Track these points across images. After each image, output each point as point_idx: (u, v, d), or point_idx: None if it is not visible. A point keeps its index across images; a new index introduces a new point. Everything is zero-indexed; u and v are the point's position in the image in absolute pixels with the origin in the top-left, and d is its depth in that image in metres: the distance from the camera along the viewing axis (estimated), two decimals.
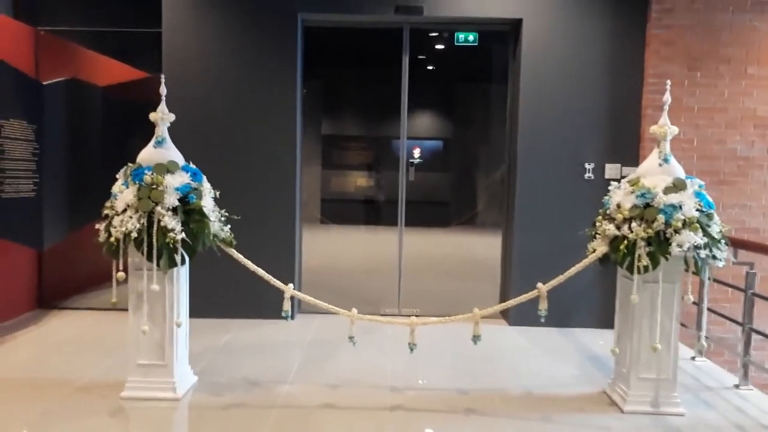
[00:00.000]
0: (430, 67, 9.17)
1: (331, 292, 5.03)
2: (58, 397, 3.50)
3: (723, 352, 4.91)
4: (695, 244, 3.21)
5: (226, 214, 3.61)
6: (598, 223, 3.58)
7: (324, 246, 7.87)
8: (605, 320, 5.00)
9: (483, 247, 6.27)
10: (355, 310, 3.62)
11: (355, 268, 7.20)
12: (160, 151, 3.49)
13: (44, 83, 5.07)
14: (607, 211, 3.54)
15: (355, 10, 5.20)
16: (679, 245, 3.21)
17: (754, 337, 4.00)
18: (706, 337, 4.41)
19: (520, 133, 5.17)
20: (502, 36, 5.51)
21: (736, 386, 3.94)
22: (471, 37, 5.65)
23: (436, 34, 6.15)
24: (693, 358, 4.46)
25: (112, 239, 3.29)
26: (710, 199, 3.37)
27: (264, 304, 4.63)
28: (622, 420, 3.39)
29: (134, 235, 3.25)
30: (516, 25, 5.24)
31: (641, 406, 3.46)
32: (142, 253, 3.29)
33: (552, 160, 5.14)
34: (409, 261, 5.78)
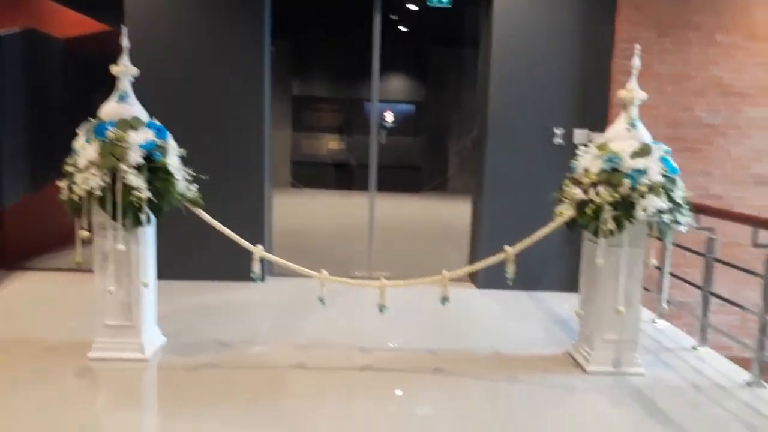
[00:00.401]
0: (403, 29, 9.00)
1: (302, 254, 5.01)
2: (24, 358, 3.45)
3: (683, 315, 5.06)
4: (659, 208, 3.26)
5: (193, 173, 3.54)
6: (565, 188, 3.61)
7: (295, 209, 7.81)
8: (571, 284, 5.09)
9: (454, 212, 6.32)
10: (325, 272, 3.62)
11: (326, 232, 7.19)
12: (123, 106, 3.38)
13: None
14: (575, 176, 3.57)
15: None
16: (644, 209, 3.26)
17: (713, 300, 4.13)
18: (668, 301, 4.55)
19: (491, 97, 5.16)
20: None
21: (694, 348, 4.08)
22: None
23: None
24: (654, 321, 4.60)
25: (75, 197, 3.20)
26: (675, 165, 3.42)
27: (234, 267, 4.59)
28: (585, 380, 3.49)
29: (98, 193, 3.17)
30: None
31: (603, 366, 3.56)
32: (107, 212, 3.21)
33: (522, 125, 5.15)
34: (380, 225, 5.78)
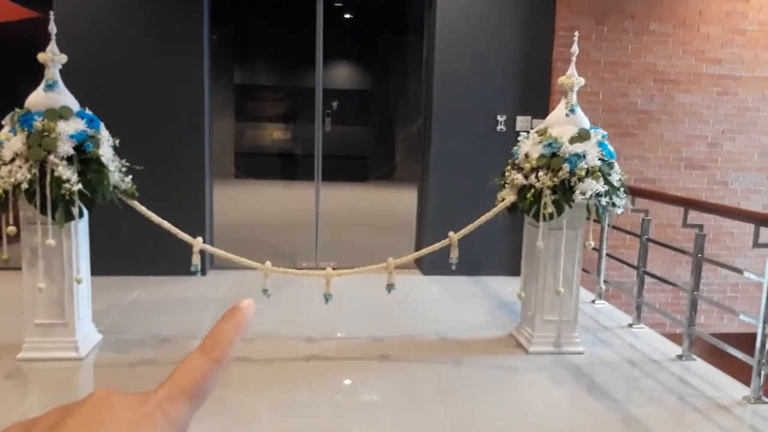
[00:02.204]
0: (347, 15, 8.92)
1: (246, 247, 4.92)
2: None
3: (621, 295, 5.25)
4: (597, 191, 3.36)
5: (127, 164, 3.41)
6: (507, 173, 3.67)
7: (239, 201, 7.66)
8: (514, 268, 5.18)
9: (401, 201, 6.32)
10: (269, 263, 3.56)
11: (271, 223, 7.08)
12: (52, 95, 3.22)
13: None
14: (516, 161, 3.63)
15: None
16: (582, 193, 3.35)
17: (648, 279, 4.30)
18: (605, 281, 4.70)
19: (435, 84, 5.17)
20: None
21: (630, 325, 4.23)
22: None
23: None
24: (593, 302, 4.75)
25: (0, 191, 3.04)
26: (612, 149, 3.52)
27: (174, 261, 4.46)
28: (527, 360, 3.57)
29: (25, 186, 3.01)
30: None
31: (545, 346, 3.65)
32: (35, 206, 3.06)
33: (466, 113, 5.19)
34: (326, 215, 5.74)
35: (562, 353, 3.64)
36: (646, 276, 4.26)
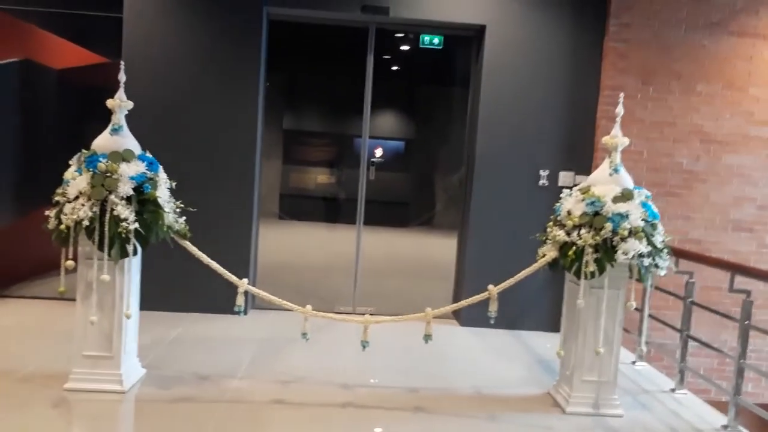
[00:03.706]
0: (395, 68, 9.21)
1: (287, 288, 5.02)
2: None
3: (662, 357, 5.11)
4: (639, 252, 3.34)
5: (182, 205, 3.57)
6: (549, 229, 3.68)
7: (282, 242, 7.82)
8: (554, 324, 5.14)
9: (440, 249, 6.35)
10: (309, 307, 3.63)
11: (312, 265, 7.19)
12: (116, 138, 3.43)
13: None
14: (558, 218, 3.65)
15: (321, 7, 5.20)
16: (625, 253, 3.33)
17: (691, 343, 4.18)
18: (647, 343, 4.59)
19: (478, 137, 5.27)
20: (466, 40, 5.60)
21: (672, 390, 4.11)
22: (436, 40, 5.72)
23: (402, 35, 6.20)
24: (634, 363, 4.63)
25: (63, 227, 3.22)
26: (655, 210, 3.51)
27: (218, 299, 4.59)
28: (564, 420, 3.50)
29: (86, 223, 3.19)
30: (480, 31, 5.33)
31: (582, 407, 3.58)
32: (93, 242, 3.23)
33: (508, 166, 5.25)
34: (366, 260, 5.81)
35: (601, 415, 3.56)
36: (689, 339, 4.15)
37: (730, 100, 5.27)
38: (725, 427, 3.55)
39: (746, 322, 3.58)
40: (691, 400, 3.99)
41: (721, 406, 3.81)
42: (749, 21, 5.23)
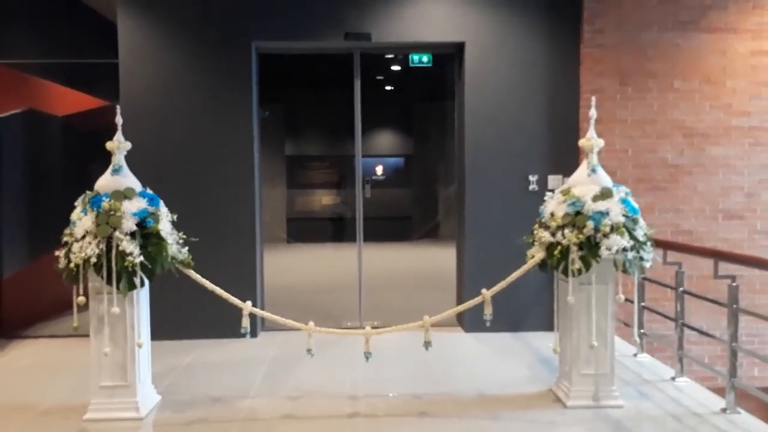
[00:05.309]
0: (388, 88, 9.46)
1: (294, 309, 5.17)
2: (20, 422, 3.57)
3: (665, 348, 5.20)
4: (622, 246, 3.48)
5: (184, 236, 3.75)
6: (535, 231, 3.84)
7: (289, 264, 8.00)
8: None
9: (443, 259, 6.49)
10: (312, 323, 3.79)
11: (318, 285, 7.35)
12: (117, 178, 3.62)
13: (0, 116, 5.15)
14: (543, 220, 3.80)
15: (306, 37, 5.42)
16: (608, 248, 3.48)
17: (694, 333, 4.28)
18: (645, 334, 4.71)
19: (466, 149, 5.44)
20: (453, 57, 5.80)
21: (673, 378, 4.21)
22: (425, 59, 5.92)
23: (392, 56, 6.44)
24: (635, 355, 4.74)
25: (72, 265, 3.41)
26: (635, 205, 3.65)
27: (226, 324, 4.74)
28: (565, 414, 3.62)
29: (93, 260, 3.37)
30: (459, 47, 5.53)
31: (582, 400, 3.70)
32: (102, 278, 3.41)
33: (498, 174, 5.41)
34: (370, 275, 5.96)
35: (601, 407, 3.67)
36: (685, 328, 4.26)
37: (708, 95, 5.43)
38: (724, 410, 3.65)
39: (734, 306, 3.70)
40: (692, 387, 4.08)
41: (723, 392, 3.90)
42: (719, 17, 5.40)
